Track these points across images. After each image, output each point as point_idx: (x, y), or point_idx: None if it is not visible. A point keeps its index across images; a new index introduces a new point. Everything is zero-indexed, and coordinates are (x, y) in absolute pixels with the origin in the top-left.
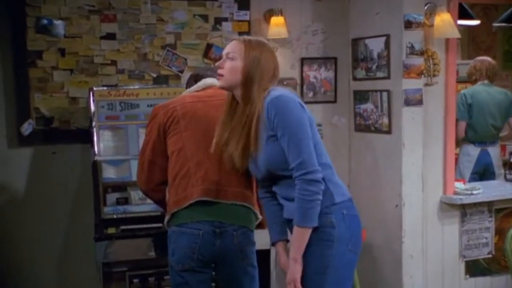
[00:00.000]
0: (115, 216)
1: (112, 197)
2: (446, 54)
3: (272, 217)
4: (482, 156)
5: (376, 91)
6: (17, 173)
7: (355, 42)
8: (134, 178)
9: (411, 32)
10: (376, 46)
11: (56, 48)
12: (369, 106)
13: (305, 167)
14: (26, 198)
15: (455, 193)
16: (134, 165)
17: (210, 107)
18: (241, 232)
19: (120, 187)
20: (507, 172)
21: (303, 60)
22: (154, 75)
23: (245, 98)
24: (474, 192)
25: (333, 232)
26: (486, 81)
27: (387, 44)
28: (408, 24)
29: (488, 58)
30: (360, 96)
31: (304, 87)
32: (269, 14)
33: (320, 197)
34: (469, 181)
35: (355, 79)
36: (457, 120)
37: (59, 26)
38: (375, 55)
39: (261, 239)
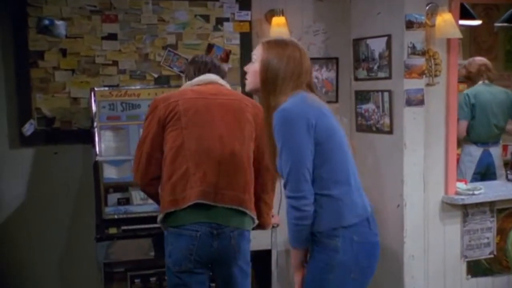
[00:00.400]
0: (116, 216)
1: (113, 197)
2: (448, 54)
3: None
4: (484, 157)
5: (377, 91)
6: (18, 173)
7: (357, 42)
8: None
9: (413, 32)
10: (377, 46)
11: (57, 49)
12: (370, 106)
13: (290, 190)
14: (27, 198)
15: (457, 193)
16: None
17: (214, 106)
18: (237, 233)
19: (122, 187)
20: (508, 172)
21: None
22: (156, 76)
23: (262, 103)
24: (476, 192)
25: (335, 257)
26: (486, 81)
27: (388, 44)
28: (410, 24)
29: (484, 59)
30: (362, 96)
31: None
32: (270, 14)
33: (304, 222)
34: (471, 181)
35: (356, 79)
36: (458, 119)
37: (61, 26)
38: (376, 55)
39: (262, 239)
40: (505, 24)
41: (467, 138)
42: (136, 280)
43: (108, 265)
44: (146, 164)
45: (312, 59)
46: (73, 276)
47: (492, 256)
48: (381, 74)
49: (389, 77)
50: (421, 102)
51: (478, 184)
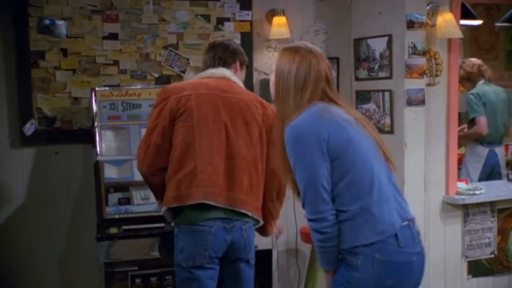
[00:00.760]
0: (117, 216)
1: (114, 197)
2: (449, 54)
3: None
4: (491, 157)
5: (378, 91)
6: (19, 173)
7: (357, 42)
8: (136, 178)
9: (413, 32)
10: (378, 46)
11: (58, 48)
12: (371, 106)
13: (309, 212)
14: (28, 198)
15: (458, 193)
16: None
17: (225, 106)
18: (248, 226)
19: (122, 187)
20: (509, 172)
21: None
22: (156, 75)
23: (277, 115)
24: (477, 192)
25: (355, 275)
26: (487, 81)
27: (389, 44)
28: (410, 24)
29: (478, 59)
30: (362, 96)
31: None
32: (271, 14)
33: (328, 244)
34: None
35: (357, 79)
36: (473, 118)
37: (62, 26)
38: (377, 55)
39: (263, 239)
40: (506, 24)
41: (474, 139)
42: (136, 280)
43: (108, 265)
44: (154, 154)
45: None
46: (73, 276)
47: (493, 256)
48: (381, 74)
49: (390, 77)
50: (422, 102)
51: (479, 184)
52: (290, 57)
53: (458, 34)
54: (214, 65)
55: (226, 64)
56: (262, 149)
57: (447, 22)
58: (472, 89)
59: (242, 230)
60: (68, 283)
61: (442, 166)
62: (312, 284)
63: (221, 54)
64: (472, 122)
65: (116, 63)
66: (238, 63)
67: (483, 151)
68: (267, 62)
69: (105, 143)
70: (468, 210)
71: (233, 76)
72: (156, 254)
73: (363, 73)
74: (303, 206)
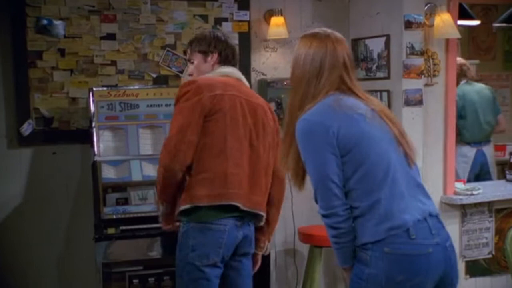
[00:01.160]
0: (114, 217)
1: (112, 197)
2: (446, 54)
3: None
4: (478, 156)
5: (376, 91)
6: (17, 173)
7: (355, 42)
8: (134, 178)
9: (411, 32)
10: (376, 46)
11: (56, 49)
12: None
13: (321, 208)
14: (25, 198)
15: (455, 193)
16: (134, 165)
17: (250, 110)
18: (252, 222)
19: (120, 187)
20: (507, 172)
21: None
22: (154, 76)
23: (288, 105)
24: (474, 192)
25: (365, 271)
26: (468, 80)
27: (387, 44)
28: (408, 24)
29: (461, 58)
30: None
31: None
32: (269, 14)
33: (341, 240)
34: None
35: None
36: None
37: (59, 26)
38: (375, 55)
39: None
40: (504, 24)
41: (460, 139)
42: (134, 281)
43: (106, 265)
44: (186, 151)
45: None
46: (71, 276)
47: (490, 256)
48: (379, 74)
49: (388, 77)
50: (419, 102)
51: (477, 184)
52: (307, 43)
53: (456, 35)
54: (224, 63)
55: (234, 66)
56: (274, 154)
57: (445, 22)
58: None
59: (250, 226)
60: (66, 284)
61: (440, 166)
62: (310, 284)
63: (229, 54)
64: None
65: (113, 63)
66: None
67: (470, 151)
68: (265, 62)
69: (102, 143)
70: (466, 210)
71: (244, 78)
72: (154, 254)
73: (361, 73)
74: (316, 201)
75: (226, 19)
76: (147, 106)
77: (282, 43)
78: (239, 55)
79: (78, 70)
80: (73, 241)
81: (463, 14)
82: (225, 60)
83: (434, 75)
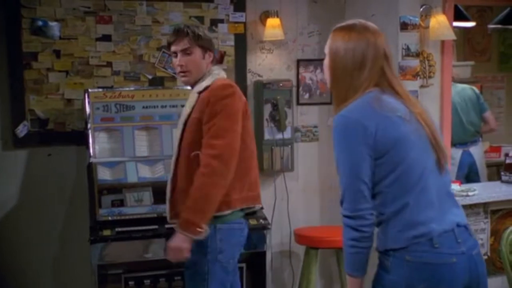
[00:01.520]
0: (110, 218)
1: (107, 199)
2: (442, 55)
3: None
4: (465, 157)
5: None
6: (12, 175)
7: None
8: (130, 180)
9: (407, 34)
10: None
11: (51, 50)
12: None
13: (346, 209)
14: (21, 200)
15: None
16: (130, 167)
17: (245, 110)
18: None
19: (116, 189)
20: (502, 173)
21: (299, 62)
22: (150, 77)
23: (333, 103)
24: (470, 193)
25: (386, 277)
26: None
27: None
28: (404, 26)
29: None
30: None
31: (300, 88)
32: (265, 16)
33: (361, 244)
34: None
35: None
36: None
37: (54, 27)
38: None
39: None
40: (499, 26)
41: None
42: (130, 282)
43: (102, 267)
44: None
45: (306, 60)
46: (67, 278)
47: (486, 257)
48: None
49: None
50: None
51: (472, 185)
52: (344, 36)
53: (451, 36)
54: (214, 64)
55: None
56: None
57: (440, 23)
58: None
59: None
60: (61, 285)
61: None
62: (306, 285)
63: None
64: None
65: (109, 64)
66: None
67: (456, 152)
68: (261, 64)
69: (98, 144)
70: None
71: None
72: (149, 256)
73: None
74: (342, 202)
75: (222, 21)
76: (143, 107)
77: (278, 44)
78: (235, 56)
79: (73, 72)
80: (69, 242)
81: (459, 15)
82: (215, 61)
83: (430, 77)
